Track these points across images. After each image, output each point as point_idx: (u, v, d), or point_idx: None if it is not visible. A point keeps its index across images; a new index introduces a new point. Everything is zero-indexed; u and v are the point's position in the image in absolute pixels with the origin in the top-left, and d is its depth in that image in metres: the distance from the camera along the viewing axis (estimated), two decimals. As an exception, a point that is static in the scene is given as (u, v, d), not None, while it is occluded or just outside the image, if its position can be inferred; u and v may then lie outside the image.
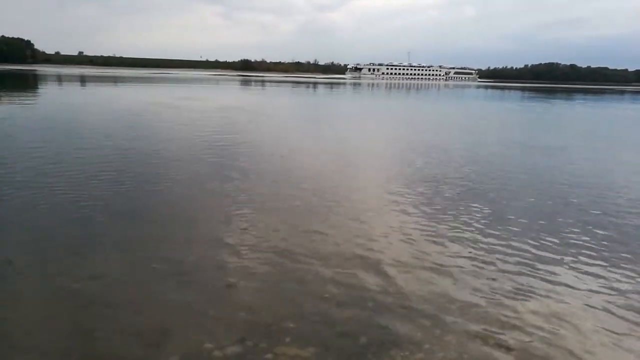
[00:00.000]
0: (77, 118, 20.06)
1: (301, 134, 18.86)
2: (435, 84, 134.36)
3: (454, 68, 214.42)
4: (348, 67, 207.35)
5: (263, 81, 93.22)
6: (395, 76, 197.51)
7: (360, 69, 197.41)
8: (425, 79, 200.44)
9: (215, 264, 5.59)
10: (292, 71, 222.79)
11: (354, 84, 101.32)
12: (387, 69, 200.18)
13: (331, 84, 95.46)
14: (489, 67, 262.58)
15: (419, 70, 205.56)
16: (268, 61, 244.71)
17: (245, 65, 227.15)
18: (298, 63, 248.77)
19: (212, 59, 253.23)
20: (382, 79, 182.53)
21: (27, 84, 50.28)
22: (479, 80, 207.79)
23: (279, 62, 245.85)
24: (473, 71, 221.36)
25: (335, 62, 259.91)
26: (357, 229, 6.99)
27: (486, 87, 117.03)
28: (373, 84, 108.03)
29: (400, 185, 9.81)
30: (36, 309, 4.52)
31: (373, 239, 6.57)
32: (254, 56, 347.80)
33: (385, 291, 5.07)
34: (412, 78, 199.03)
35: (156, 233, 6.56)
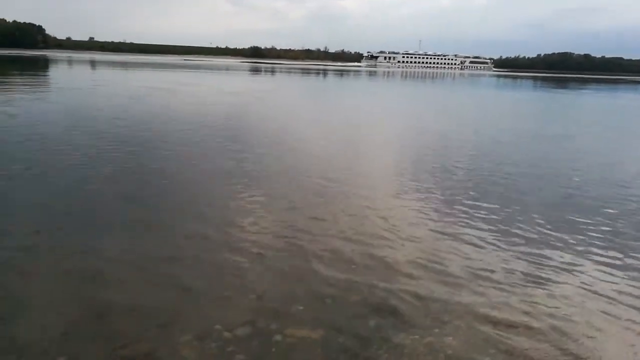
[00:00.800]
0: (85, 101, 20.13)
1: (318, 123, 18.81)
2: (451, 73, 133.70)
3: (469, 57, 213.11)
4: (364, 55, 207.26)
5: (273, 70, 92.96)
6: (411, 64, 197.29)
7: (376, 57, 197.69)
8: (441, 67, 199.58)
9: (225, 246, 5.61)
10: (302, 58, 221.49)
11: (370, 72, 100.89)
12: (403, 57, 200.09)
13: (348, 71, 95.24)
14: (500, 57, 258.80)
15: (434, 59, 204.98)
16: (278, 48, 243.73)
17: (255, 52, 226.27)
18: (308, 50, 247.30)
19: (222, 45, 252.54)
20: (398, 67, 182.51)
21: (39, 67, 50.57)
22: (494, 69, 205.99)
23: (289, 50, 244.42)
24: (488, 60, 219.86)
25: (346, 49, 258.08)
26: (367, 213, 6.97)
27: (501, 76, 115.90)
28: (389, 72, 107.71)
29: (410, 171, 9.77)
30: (47, 288, 4.57)
31: (383, 225, 6.55)
32: (264, 43, 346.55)
33: (395, 275, 5.06)
34: (427, 67, 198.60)
35: (165, 215, 6.59)
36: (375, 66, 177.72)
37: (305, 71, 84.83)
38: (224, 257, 5.34)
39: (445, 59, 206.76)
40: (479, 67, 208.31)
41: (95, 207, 6.82)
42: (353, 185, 8.55)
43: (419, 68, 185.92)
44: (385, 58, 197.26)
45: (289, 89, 40.14)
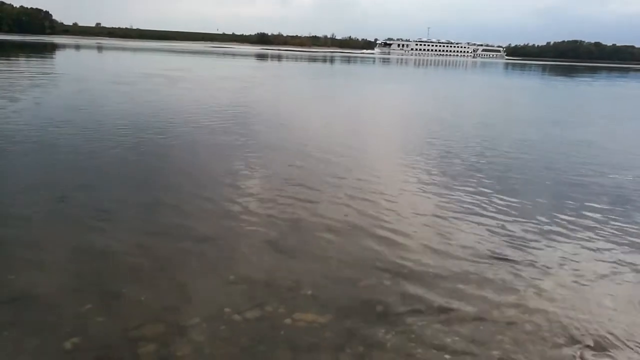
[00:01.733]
0: (88, 85, 20.18)
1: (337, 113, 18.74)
2: (463, 61, 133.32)
3: (481, 45, 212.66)
4: (377, 42, 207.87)
5: (288, 57, 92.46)
6: (424, 52, 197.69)
7: (389, 45, 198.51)
8: (453, 55, 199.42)
9: (233, 232, 5.65)
10: (309, 45, 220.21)
11: (384, 60, 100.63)
12: (416, 44, 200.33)
13: (363, 59, 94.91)
14: (510, 45, 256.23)
15: (447, 47, 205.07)
16: (285, 35, 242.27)
17: (261, 39, 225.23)
18: (315, 37, 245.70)
19: (229, 31, 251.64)
20: (411, 55, 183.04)
21: (45, 53, 50.65)
22: (506, 57, 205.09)
23: (296, 36, 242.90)
24: (500, 49, 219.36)
25: (353, 36, 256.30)
26: (374, 199, 6.98)
27: (514, 64, 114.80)
28: (403, 60, 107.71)
29: (414, 157, 9.75)
30: (59, 268, 4.63)
31: (390, 209, 6.57)
32: (271, 29, 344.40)
33: (402, 261, 5.08)
34: (440, 54, 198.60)
35: (173, 198, 6.63)
36: (388, 54, 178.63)
37: (323, 58, 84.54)
38: (232, 242, 5.38)
39: (458, 47, 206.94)
40: (491, 56, 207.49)
41: (104, 189, 6.88)
42: (361, 169, 8.56)
43: (431, 56, 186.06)
44: (398, 46, 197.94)
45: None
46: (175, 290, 4.34)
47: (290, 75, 40.51)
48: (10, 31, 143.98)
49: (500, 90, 36.84)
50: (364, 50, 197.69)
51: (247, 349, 3.59)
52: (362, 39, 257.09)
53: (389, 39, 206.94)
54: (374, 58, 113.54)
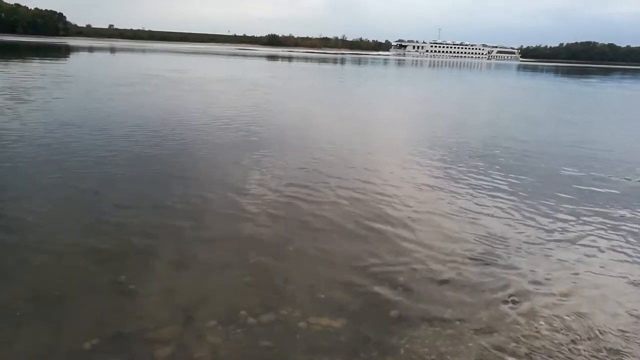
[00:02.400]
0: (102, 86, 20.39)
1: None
2: (478, 63, 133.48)
3: (496, 47, 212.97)
4: (392, 44, 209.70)
5: (295, 58, 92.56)
6: (438, 54, 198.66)
7: (404, 46, 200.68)
8: (468, 57, 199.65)
9: (246, 235, 5.69)
10: (320, 47, 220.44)
11: (399, 62, 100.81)
12: (432, 46, 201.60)
13: (380, 60, 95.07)
14: (521, 46, 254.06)
15: (462, 48, 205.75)
16: (295, 36, 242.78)
17: (272, 40, 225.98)
18: (325, 39, 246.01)
19: (239, 33, 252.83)
20: (426, 56, 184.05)
21: (61, 56, 51.27)
22: (521, 59, 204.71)
23: (307, 38, 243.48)
24: (515, 51, 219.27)
25: (364, 38, 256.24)
26: (387, 201, 6.99)
27: (530, 67, 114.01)
28: (419, 62, 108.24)
29: (424, 153, 9.74)
30: (72, 265, 4.70)
31: (402, 213, 6.58)
32: (281, 31, 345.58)
33: (415, 265, 5.09)
34: (455, 56, 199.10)
35: (183, 200, 6.70)
36: (404, 55, 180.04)
37: (341, 60, 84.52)
38: (246, 245, 5.43)
39: (472, 48, 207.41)
40: (506, 57, 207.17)
41: (117, 186, 6.96)
42: (376, 169, 8.58)
43: (446, 58, 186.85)
44: (414, 47, 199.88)
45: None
46: (190, 292, 4.39)
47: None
48: (25, 33, 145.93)
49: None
50: (381, 52, 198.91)
51: (263, 352, 3.63)
52: (373, 41, 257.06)
53: (400, 41, 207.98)
54: (389, 60, 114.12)
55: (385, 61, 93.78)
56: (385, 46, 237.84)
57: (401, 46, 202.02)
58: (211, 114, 14.87)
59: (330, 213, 6.54)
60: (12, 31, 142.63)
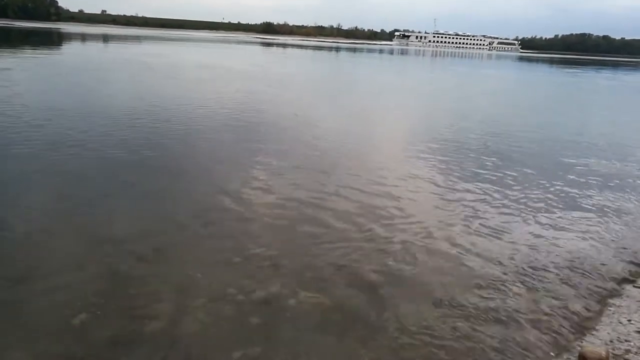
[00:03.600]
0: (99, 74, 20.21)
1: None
2: (479, 54, 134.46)
3: (497, 38, 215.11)
4: (395, 33, 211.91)
5: (285, 44, 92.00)
6: (441, 44, 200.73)
7: (407, 36, 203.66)
8: (470, 48, 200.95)
9: (239, 217, 5.71)
10: (315, 35, 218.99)
11: (402, 51, 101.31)
12: (434, 37, 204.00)
13: (383, 50, 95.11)
14: (517, 37, 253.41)
15: (464, 39, 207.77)
16: (290, 24, 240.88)
17: (267, 28, 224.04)
18: (321, 27, 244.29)
19: (234, 21, 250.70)
20: (429, 46, 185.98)
21: (53, 41, 50.69)
22: (521, 50, 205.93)
23: (302, 26, 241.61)
24: (515, 42, 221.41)
25: (359, 27, 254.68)
26: (379, 188, 7.02)
27: (528, 58, 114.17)
28: (422, 52, 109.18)
29: (420, 145, 9.76)
30: (71, 253, 4.70)
31: (393, 197, 6.61)
32: (276, 19, 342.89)
33: (405, 247, 5.13)
34: (457, 47, 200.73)
35: (181, 184, 6.70)
36: (407, 45, 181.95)
37: (344, 49, 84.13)
38: (237, 227, 5.45)
39: (474, 39, 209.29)
40: (506, 49, 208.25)
41: (114, 175, 6.95)
42: (368, 158, 8.59)
43: (449, 48, 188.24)
44: (416, 37, 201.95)
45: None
46: (180, 272, 4.40)
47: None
48: (15, 17, 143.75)
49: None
50: (383, 42, 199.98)
51: (253, 329, 3.66)
52: (369, 30, 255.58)
53: (405, 30, 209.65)
54: (392, 49, 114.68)
55: (383, 51, 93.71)
56: (380, 35, 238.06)
57: (404, 36, 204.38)
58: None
59: (323, 197, 6.56)
60: (4, 15, 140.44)
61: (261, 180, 7.09)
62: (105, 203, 5.94)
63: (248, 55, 48.74)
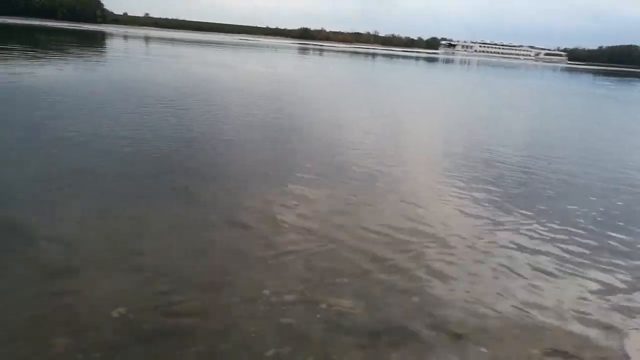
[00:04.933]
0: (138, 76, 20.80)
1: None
2: (524, 64, 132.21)
3: (544, 49, 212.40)
4: (441, 42, 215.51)
5: (327, 51, 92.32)
6: (486, 54, 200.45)
7: (453, 46, 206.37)
8: (515, 58, 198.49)
9: (274, 221, 5.76)
10: (352, 42, 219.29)
11: (447, 60, 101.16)
12: (480, 46, 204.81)
13: (432, 59, 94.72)
14: (558, 48, 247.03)
15: (510, 49, 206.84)
16: (327, 30, 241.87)
17: (304, 34, 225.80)
18: (358, 34, 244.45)
19: (272, 26, 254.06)
20: (475, 56, 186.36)
21: (98, 42, 52.47)
22: (568, 62, 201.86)
23: (339, 32, 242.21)
24: (562, 53, 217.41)
25: (395, 34, 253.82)
26: (413, 201, 6.99)
27: (577, 69, 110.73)
28: (467, 61, 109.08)
29: (454, 161, 9.66)
30: (98, 254, 4.86)
31: (427, 212, 6.57)
32: (313, 25, 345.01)
33: (439, 260, 5.09)
34: (502, 57, 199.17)
35: (215, 187, 6.84)
36: (452, 54, 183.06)
37: (392, 56, 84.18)
38: (272, 231, 5.52)
39: (520, 49, 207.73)
40: (553, 60, 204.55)
41: (146, 175, 7.16)
42: (402, 170, 8.57)
43: (494, 58, 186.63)
44: (462, 47, 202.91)
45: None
46: (215, 272, 4.49)
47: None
48: (64, 19, 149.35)
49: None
50: (428, 50, 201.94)
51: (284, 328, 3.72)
52: (406, 37, 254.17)
53: (443, 39, 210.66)
54: (438, 58, 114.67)
55: (431, 60, 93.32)
56: (417, 43, 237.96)
57: (450, 45, 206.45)
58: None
59: (358, 209, 6.56)
60: (52, 17, 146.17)
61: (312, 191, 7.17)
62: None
63: (317, 66, 49.07)
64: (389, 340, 3.66)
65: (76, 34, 65.93)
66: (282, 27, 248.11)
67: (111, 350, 3.36)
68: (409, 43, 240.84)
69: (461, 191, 7.44)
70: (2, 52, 25.27)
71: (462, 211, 6.56)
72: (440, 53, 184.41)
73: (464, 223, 6.14)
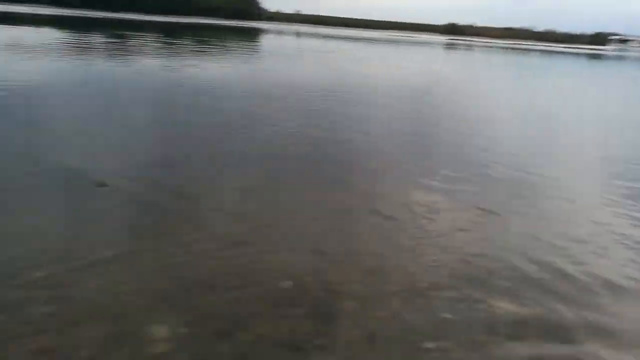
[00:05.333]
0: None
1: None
2: None
3: None
4: (609, 37, 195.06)
5: (470, 45, 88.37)
6: None
7: (626, 41, 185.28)
8: None
9: (424, 216, 5.78)
10: (504, 37, 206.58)
11: (619, 57, 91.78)
12: None
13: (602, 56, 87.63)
14: None
15: None
16: (477, 25, 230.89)
17: (451, 29, 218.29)
18: (510, 29, 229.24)
19: (417, 21, 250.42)
20: None
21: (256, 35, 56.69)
22: None
23: (490, 27, 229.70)
24: None
25: (551, 29, 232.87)
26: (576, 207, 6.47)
27: None
28: None
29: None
30: (264, 229, 5.31)
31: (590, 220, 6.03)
32: (459, 19, 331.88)
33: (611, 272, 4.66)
34: None
35: (365, 177, 7.05)
36: (626, 50, 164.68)
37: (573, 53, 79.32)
38: (428, 224, 5.54)
39: None
40: None
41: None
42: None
43: None
44: (638, 42, 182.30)
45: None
46: (373, 264, 4.64)
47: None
48: (226, 17, 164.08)
49: None
50: (597, 46, 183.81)
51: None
52: (564, 32, 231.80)
53: (598, 33, 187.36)
54: (607, 55, 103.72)
55: (612, 56, 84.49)
56: (579, 38, 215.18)
57: (622, 41, 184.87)
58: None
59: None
60: (215, 15, 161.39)
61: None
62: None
63: (467, 64, 48.05)
64: (554, 354, 3.47)
65: (243, 31, 71.90)
66: (428, 23, 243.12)
67: (275, 320, 3.68)
68: (566, 39, 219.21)
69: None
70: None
71: None
72: (609, 50, 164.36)
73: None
